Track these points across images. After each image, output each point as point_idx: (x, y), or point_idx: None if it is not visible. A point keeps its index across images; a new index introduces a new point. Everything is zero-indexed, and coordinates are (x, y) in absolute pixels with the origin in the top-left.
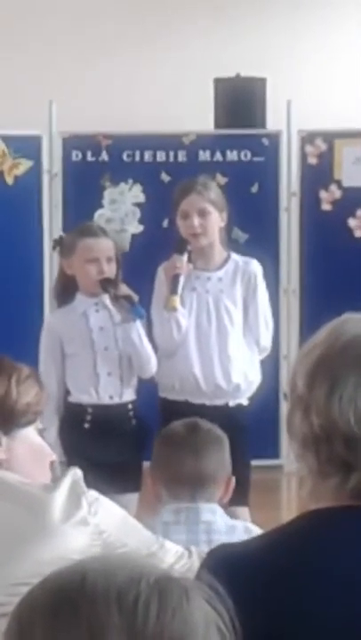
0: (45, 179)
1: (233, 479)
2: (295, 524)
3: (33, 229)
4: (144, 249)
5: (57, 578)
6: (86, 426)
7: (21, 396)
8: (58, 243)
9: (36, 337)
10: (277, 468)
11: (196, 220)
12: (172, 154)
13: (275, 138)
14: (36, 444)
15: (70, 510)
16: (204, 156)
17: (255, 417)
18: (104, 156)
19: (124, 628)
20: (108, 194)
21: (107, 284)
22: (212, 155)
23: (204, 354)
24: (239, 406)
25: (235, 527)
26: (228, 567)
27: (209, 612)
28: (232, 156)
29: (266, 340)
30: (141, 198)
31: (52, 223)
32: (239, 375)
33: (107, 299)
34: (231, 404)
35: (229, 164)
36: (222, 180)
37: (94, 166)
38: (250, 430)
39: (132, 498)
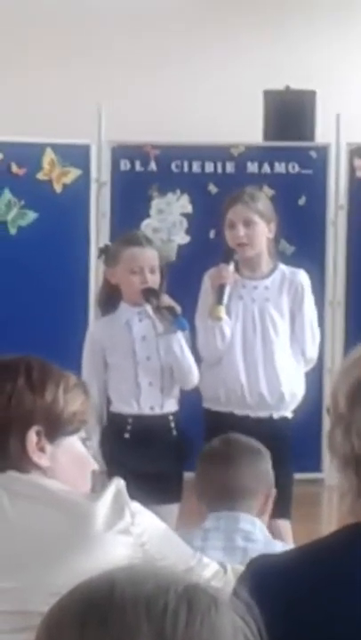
0: (93, 188)
1: (274, 492)
2: (334, 537)
3: (80, 238)
4: (190, 259)
5: (85, 587)
6: (126, 436)
7: (68, 404)
8: (103, 251)
9: (81, 345)
10: (319, 481)
11: (242, 230)
12: (220, 165)
13: (323, 150)
14: (79, 453)
15: (113, 520)
16: (252, 167)
17: (298, 430)
18: (152, 166)
19: (152, 636)
20: (156, 204)
21: (149, 294)
22: (260, 167)
23: (249, 363)
24: (283, 419)
25: (274, 543)
26: (267, 577)
27: (237, 622)
28: (280, 168)
29: (312, 351)
30: (189, 209)
31: (99, 232)
32: (284, 387)
33: (149, 309)
34: (275, 416)
35: (277, 177)
36: (270, 192)
37: (142, 176)
38: (293, 443)
39: (173, 509)
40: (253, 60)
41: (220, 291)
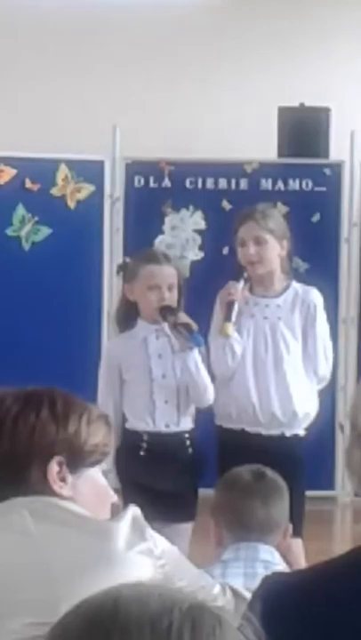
0: (107, 203)
1: (290, 527)
2: (349, 556)
3: (93, 254)
4: (204, 276)
5: (90, 605)
6: (142, 453)
7: (91, 436)
8: (122, 268)
9: (93, 361)
10: (331, 499)
11: (253, 249)
12: (233, 182)
13: (337, 168)
14: (100, 484)
15: (134, 541)
16: (265, 184)
17: (310, 447)
18: (166, 182)
19: None
20: (169, 220)
21: (166, 312)
22: (274, 183)
23: (260, 381)
24: (296, 437)
25: None
26: (280, 595)
27: None
28: (294, 185)
29: (324, 369)
30: (202, 225)
31: (112, 248)
32: (296, 405)
33: (166, 326)
34: (288, 434)
35: (291, 193)
36: (283, 209)
37: (156, 192)
38: (305, 461)
39: (187, 527)
40: (268, 77)
41: (228, 308)
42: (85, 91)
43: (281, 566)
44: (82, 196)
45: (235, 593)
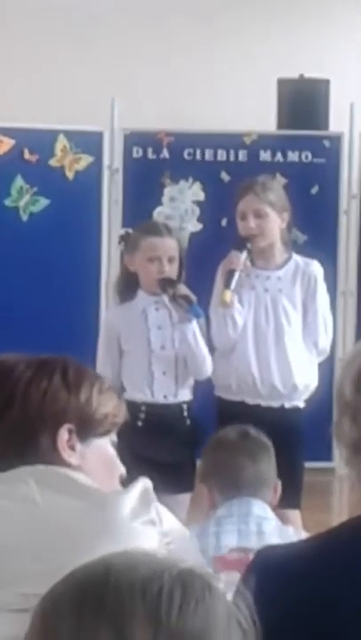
0: (106, 174)
1: (279, 483)
2: (342, 528)
3: (92, 224)
4: (202, 247)
5: (81, 572)
6: (140, 424)
7: (101, 405)
8: (124, 239)
9: (92, 331)
10: (330, 470)
11: (253, 222)
12: (232, 153)
13: (336, 140)
14: (108, 455)
15: (140, 511)
16: (264, 156)
17: (309, 418)
18: (165, 154)
19: (148, 619)
20: (168, 191)
21: (166, 284)
22: (273, 155)
23: (260, 353)
24: (295, 409)
25: (287, 530)
26: (275, 568)
27: (230, 607)
28: (293, 156)
29: (324, 342)
30: (201, 197)
31: (110, 219)
32: (296, 377)
33: (166, 298)
34: (287, 405)
35: (290, 165)
36: (282, 180)
37: (155, 163)
38: (304, 432)
39: (185, 498)
40: (268, 49)
41: (228, 276)
42: (85, 62)
43: (274, 521)
44: (80, 166)
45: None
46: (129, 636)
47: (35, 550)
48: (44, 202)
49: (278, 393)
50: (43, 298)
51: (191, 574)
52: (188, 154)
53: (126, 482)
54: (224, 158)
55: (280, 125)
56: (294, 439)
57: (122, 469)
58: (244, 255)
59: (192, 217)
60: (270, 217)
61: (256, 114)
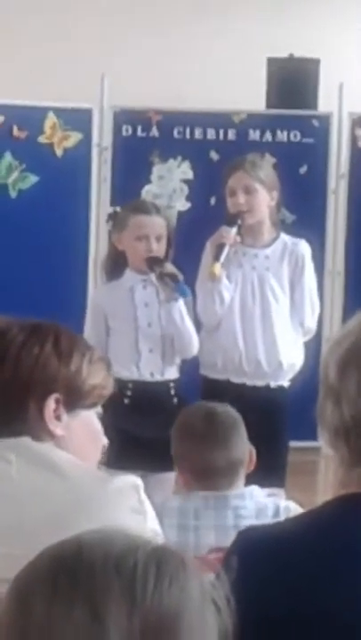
0: (95, 152)
1: (253, 451)
2: (324, 508)
3: (80, 202)
4: (191, 226)
5: (54, 550)
6: (126, 401)
7: (90, 376)
8: (112, 217)
9: (80, 309)
10: (315, 449)
11: (242, 198)
12: (221, 132)
13: (325, 119)
14: (94, 427)
15: (125, 500)
16: (253, 135)
17: (295, 397)
18: (154, 132)
19: (123, 594)
20: (157, 170)
21: (153, 263)
22: (262, 134)
23: (247, 330)
24: (280, 388)
25: (265, 509)
26: (255, 548)
27: (205, 584)
28: (282, 136)
29: (311, 321)
30: (190, 175)
31: (99, 196)
32: (282, 356)
33: (153, 277)
34: (272, 385)
35: (279, 145)
36: (271, 160)
37: (144, 141)
38: (289, 412)
39: (170, 477)
40: (257, 28)
41: (218, 249)
42: (74, 39)
43: (252, 505)
44: (69, 144)
45: None
46: (104, 611)
47: (14, 534)
48: (32, 179)
49: (263, 372)
50: (31, 275)
51: (165, 551)
52: (178, 132)
53: (114, 459)
54: (213, 137)
55: (269, 105)
56: (279, 419)
57: (105, 441)
58: (234, 230)
59: (181, 196)
60: (260, 193)
61: (245, 93)
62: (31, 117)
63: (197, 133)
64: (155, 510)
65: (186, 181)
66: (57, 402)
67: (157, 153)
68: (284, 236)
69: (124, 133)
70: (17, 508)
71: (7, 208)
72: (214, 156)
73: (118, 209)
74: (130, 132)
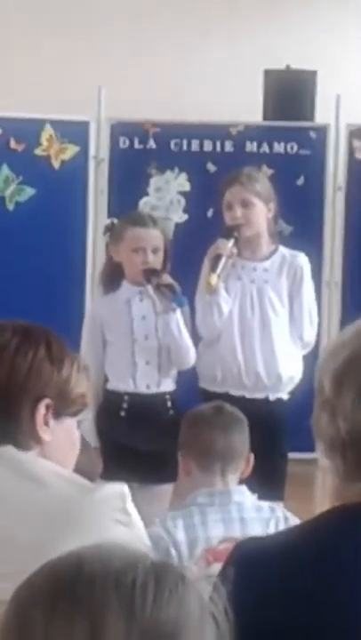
0: (92, 164)
1: (252, 456)
2: (320, 519)
3: (78, 214)
4: (188, 238)
5: (53, 565)
6: (122, 414)
7: (78, 384)
8: (109, 229)
9: (77, 322)
10: (313, 461)
11: (239, 211)
12: (218, 144)
13: (323, 131)
14: (74, 437)
15: (112, 512)
16: (250, 147)
17: (293, 409)
18: (151, 144)
19: (122, 610)
20: (154, 182)
21: (150, 275)
22: (259, 146)
23: (246, 343)
24: (279, 401)
25: (261, 507)
26: (252, 560)
27: (204, 599)
28: (279, 148)
29: (309, 335)
30: (187, 187)
31: (97, 209)
32: (281, 368)
33: (150, 288)
34: (271, 397)
35: (276, 156)
36: (268, 171)
37: (141, 154)
38: (288, 424)
39: (167, 489)
40: (254, 40)
41: (215, 261)
42: (71, 51)
43: (251, 502)
44: (66, 156)
45: None
46: (103, 626)
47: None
48: (29, 191)
49: (263, 384)
50: (28, 287)
51: (165, 567)
52: (175, 144)
53: (110, 471)
54: (210, 149)
55: (266, 116)
56: (278, 431)
57: (77, 449)
58: (231, 242)
59: (178, 207)
60: (257, 206)
61: (242, 105)
62: (28, 130)
63: (194, 145)
64: (157, 519)
65: (183, 193)
66: (47, 407)
67: (154, 165)
68: (282, 249)
69: (121, 145)
70: (5, 523)
71: (4, 221)
72: (211, 167)
73: (115, 221)
74: (127, 144)
